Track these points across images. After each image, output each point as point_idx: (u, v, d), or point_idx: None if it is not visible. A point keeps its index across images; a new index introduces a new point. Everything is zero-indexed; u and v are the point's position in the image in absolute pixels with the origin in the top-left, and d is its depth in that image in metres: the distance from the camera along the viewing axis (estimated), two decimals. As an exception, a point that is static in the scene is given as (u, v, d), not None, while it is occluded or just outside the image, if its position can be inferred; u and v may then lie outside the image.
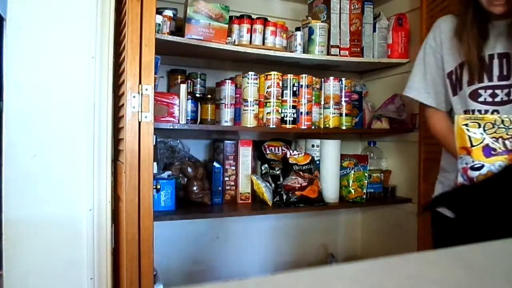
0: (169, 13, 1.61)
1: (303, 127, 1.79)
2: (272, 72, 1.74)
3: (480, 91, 1.11)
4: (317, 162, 1.91)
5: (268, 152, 1.95)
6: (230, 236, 2.04)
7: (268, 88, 1.74)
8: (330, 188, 1.88)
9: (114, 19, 1.46)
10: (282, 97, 1.76)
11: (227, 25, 1.64)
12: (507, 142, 0.96)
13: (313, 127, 1.82)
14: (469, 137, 0.98)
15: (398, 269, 0.38)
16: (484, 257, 0.43)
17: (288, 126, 1.76)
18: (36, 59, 1.36)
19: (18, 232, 1.33)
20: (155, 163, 1.45)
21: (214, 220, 1.98)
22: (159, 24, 1.52)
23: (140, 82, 1.30)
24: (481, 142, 0.97)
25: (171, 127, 1.55)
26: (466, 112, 1.14)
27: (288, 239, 2.17)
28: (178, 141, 1.86)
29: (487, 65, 1.10)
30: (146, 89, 1.30)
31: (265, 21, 1.76)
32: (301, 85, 1.78)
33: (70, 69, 1.40)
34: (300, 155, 1.86)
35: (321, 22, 1.86)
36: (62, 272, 1.39)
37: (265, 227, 2.11)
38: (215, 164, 1.77)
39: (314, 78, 1.83)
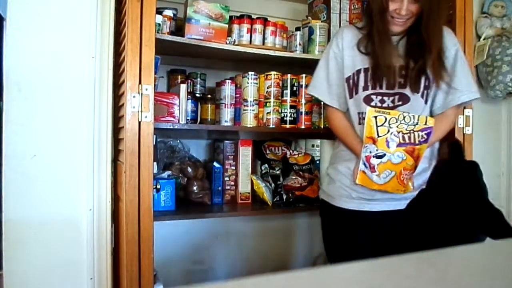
0: (169, 13, 1.61)
1: (302, 127, 1.79)
2: (272, 72, 1.74)
3: (372, 96, 1.28)
4: (317, 162, 1.91)
5: (268, 152, 1.95)
6: (230, 236, 2.04)
7: (268, 88, 1.74)
8: (330, 188, 1.88)
9: (114, 19, 1.46)
10: (282, 97, 1.76)
11: (227, 25, 1.64)
12: (405, 136, 1.13)
13: (313, 127, 1.82)
14: (377, 128, 1.14)
15: (398, 269, 0.38)
16: (484, 257, 0.43)
17: (287, 126, 1.76)
18: (36, 59, 1.36)
19: (18, 232, 1.33)
20: (155, 163, 1.45)
21: (214, 220, 1.98)
22: (159, 24, 1.52)
23: (140, 82, 1.30)
24: (386, 134, 1.13)
25: (171, 127, 1.55)
26: (359, 114, 1.30)
27: (288, 239, 2.17)
28: (178, 141, 1.85)
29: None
30: (146, 89, 1.30)
31: (265, 21, 1.76)
32: (301, 85, 1.78)
33: (70, 69, 1.40)
34: (300, 155, 1.85)
35: (321, 22, 1.86)
36: (62, 272, 1.39)
37: (265, 227, 2.11)
38: (215, 164, 1.77)
39: (314, 78, 1.83)
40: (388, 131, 1.14)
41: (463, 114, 1.57)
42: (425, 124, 1.14)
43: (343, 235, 1.35)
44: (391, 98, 1.26)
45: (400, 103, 1.25)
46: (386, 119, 1.14)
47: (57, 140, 1.38)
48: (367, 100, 1.28)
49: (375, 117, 1.14)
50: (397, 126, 1.14)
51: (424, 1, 1.19)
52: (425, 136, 1.14)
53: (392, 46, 1.27)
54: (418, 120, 1.14)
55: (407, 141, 1.14)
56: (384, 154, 1.15)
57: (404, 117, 1.14)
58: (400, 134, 1.14)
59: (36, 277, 1.35)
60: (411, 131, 1.14)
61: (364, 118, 1.25)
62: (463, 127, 1.57)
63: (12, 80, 1.33)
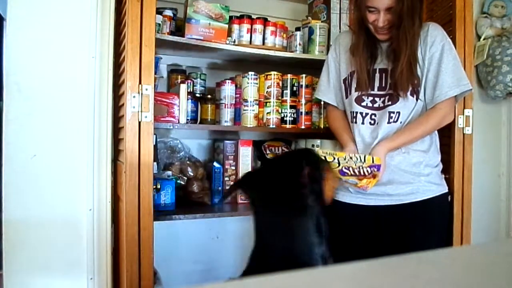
0: (169, 13, 1.61)
1: (302, 127, 1.79)
2: (272, 72, 1.74)
3: (363, 97, 1.36)
4: (317, 162, 1.91)
5: (268, 152, 1.95)
6: (230, 236, 2.04)
7: (268, 88, 1.74)
8: (330, 188, 1.87)
9: (114, 19, 1.46)
10: (282, 97, 1.76)
11: (227, 25, 1.64)
12: (355, 170, 1.26)
13: (313, 127, 1.82)
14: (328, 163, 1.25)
15: (398, 269, 0.38)
16: (484, 257, 0.43)
17: (288, 126, 1.76)
18: (36, 59, 1.36)
19: (18, 232, 1.33)
20: (155, 163, 1.45)
21: (214, 220, 1.98)
22: (159, 24, 1.52)
23: (140, 82, 1.30)
24: (337, 167, 1.27)
25: (171, 127, 1.55)
26: (351, 113, 1.39)
27: (288, 239, 2.16)
28: (178, 141, 1.85)
29: (371, 77, 1.36)
30: (146, 89, 1.30)
31: (265, 21, 1.76)
32: (301, 85, 1.78)
33: (70, 69, 1.40)
34: (300, 155, 1.85)
35: (321, 22, 1.86)
36: (62, 272, 1.39)
37: (265, 227, 2.11)
38: (215, 164, 1.77)
39: (314, 78, 1.83)
40: (339, 164, 1.26)
41: (463, 114, 1.57)
42: (372, 162, 1.24)
43: (339, 227, 1.41)
44: (382, 99, 1.34)
45: (390, 103, 1.32)
46: (334, 158, 1.25)
47: (57, 140, 1.38)
48: (359, 100, 1.37)
49: (324, 157, 1.24)
50: (346, 162, 1.26)
51: (394, 11, 1.24)
52: (375, 169, 1.25)
53: (363, 55, 1.34)
54: (364, 159, 1.24)
55: (357, 173, 1.26)
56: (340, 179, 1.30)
57: (351, 157, 1.25)
58: (350, 168, 1.26)
59: (36, 277, 1.35)
60: (360, 167, 1.25)
61: (355, 117, 1.36)
62: (463, 127, 1.57)
63: (12, 80, 1.33)
